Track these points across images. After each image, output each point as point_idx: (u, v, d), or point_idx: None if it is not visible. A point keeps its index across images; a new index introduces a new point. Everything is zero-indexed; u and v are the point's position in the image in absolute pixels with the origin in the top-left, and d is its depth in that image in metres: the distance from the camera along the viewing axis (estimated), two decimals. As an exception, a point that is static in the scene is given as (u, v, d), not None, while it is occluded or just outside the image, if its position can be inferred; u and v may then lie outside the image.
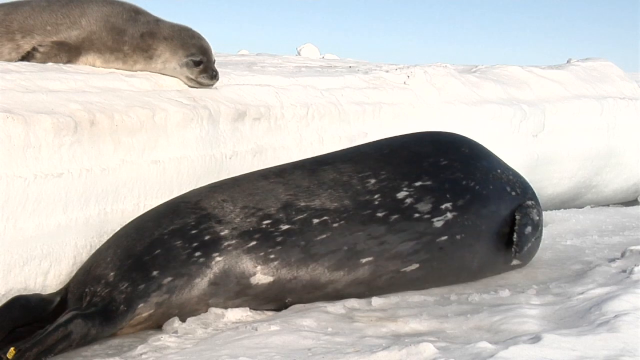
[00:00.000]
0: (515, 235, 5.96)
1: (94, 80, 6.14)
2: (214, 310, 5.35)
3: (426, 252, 5.65)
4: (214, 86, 6.85)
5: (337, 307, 5.39)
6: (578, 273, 6.11)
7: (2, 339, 4.94)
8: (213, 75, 6.73)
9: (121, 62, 6.57)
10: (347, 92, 8.18)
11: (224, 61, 9.12)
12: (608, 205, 10.83)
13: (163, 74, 6.66)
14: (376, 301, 5.52)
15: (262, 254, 5.34)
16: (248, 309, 5.44)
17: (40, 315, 5.15)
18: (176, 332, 5.07)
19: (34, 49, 6.43)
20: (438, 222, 5.66)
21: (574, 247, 7.40)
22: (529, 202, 6.25)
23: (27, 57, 6.41)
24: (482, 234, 5.92)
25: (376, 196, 5.59)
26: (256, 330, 4.90)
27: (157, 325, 5.28)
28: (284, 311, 5.44)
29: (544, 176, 9.94)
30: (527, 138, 9.72)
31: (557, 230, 8.20)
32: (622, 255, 6.28)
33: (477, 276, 6.08)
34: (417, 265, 5.63)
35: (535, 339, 4.08)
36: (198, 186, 6.18)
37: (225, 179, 6.00)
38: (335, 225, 5.45)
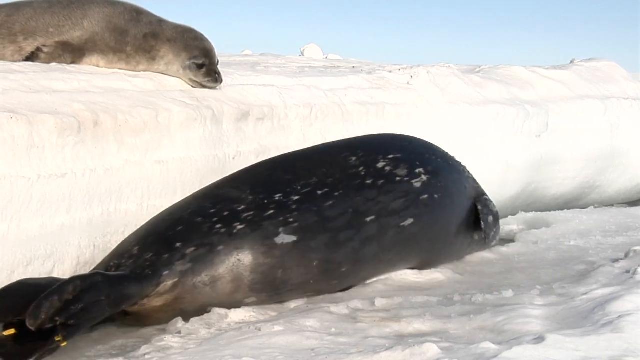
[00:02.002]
0: (482, 224, 6.87)
1: (97, 80, 6.15)
2: (217, 310, 5.36)
3: (415, 207, 6.30)
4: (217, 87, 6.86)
5: (340, 308, 5.40)
6: (581, 273, 6.11)
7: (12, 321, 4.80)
8: (216, 79, 6.73)
9: (124, 62, 6.57)
10: (351, 93, 8.18)
11: (227, 61, 9.13)
12: (612, 206, 10.82)
13: (166, 75, 6.66)
14: (379, 301, 5.52)
15: (281, 218, 5.71)
16: (251, 309, 5.45)
17: None
18: (180, 332, 5.08)
19: (38, 49, 6.43)
20: (417, 183, 6.41)
21: (578, 247, 7.40)
22: (485, 197, 7.15)
23: (31, 57, 6.41)
24: (454, 196, 6.72)
25: (361, 169, 6.27)
26: (260, 330, 4.90)
27: (183, 303, 5.34)
28: (287, 311, 5.44)
29: (548, 176, 9.95)
30: (531, 138, 9.71)
31: (560, 230, 8.20)
32: (626, 255, 6.28)
33: (455, 243, 6.80)
34: (411, 220, 6.26)
35: (539, 339, 4.07)
36: (202, 186, 6.19)
37: (225, 176, 6.24)
38: (336, 194, 5.99)
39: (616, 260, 6.20)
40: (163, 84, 6.54)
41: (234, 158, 6.63)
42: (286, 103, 7.33)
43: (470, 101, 9.29)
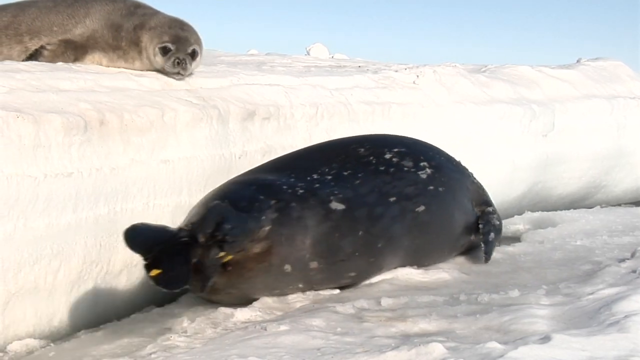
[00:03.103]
0: (482, 245, 6.84)
1: (103, 79, 6.16)
2: (223, 309, 5.36)
3: (424, 196, 6.46)
4: (223, 86, 6.85)
5: (346, 307, 5.40)
6: (588, 273, 6.10)
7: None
8: (174, 64, 6.43)
9: (123, 60, 6.53)
10: (357, 92, 8.18)
11: (233, 61, 9.15)
12: (618, 205, 10.80)
13: (158, 70, 6.57)
14: (385, 301, 5.52)
15: (327, 190, 6.01)
16: (257, 308, 5.45)
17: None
18: (185, 331, 5.08)
19: (41, 47, 6.43)
20: (423, 175, 6.56)
21: (584, 247, 7.38)
22: (490, 209, 7.17)
23: (35, 55, 6.42)
24: (455, 193, 6.81)
25: (371, 158, 6.47)
26: (265, 330, 4.90)
27: (271, 256, 5.62)
28: (293, 311, 5.44)
29: (554, 176, 9.94)
30: (537, 138, 9.71)
31: (566, 230, 8.18)
32: (632, 255, 6.26)
33: (456, 240, 6.87)
34: (423, 207, 6.41)
35: (545, 339, 4.07)
36: (207, 186, 6.21)
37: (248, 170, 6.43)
38: (359, 175, 6.27)
39: (622, 260, 6.18)
40: (169, 83, 6.54)
41: (240, 157, 6.63)
42: (292, 102, 7.33)
43: (476, 101, 9.28)
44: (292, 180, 6.01)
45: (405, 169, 6.51)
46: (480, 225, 6.95)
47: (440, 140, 7.31)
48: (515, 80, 10.20)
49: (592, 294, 5.11)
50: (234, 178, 6.21)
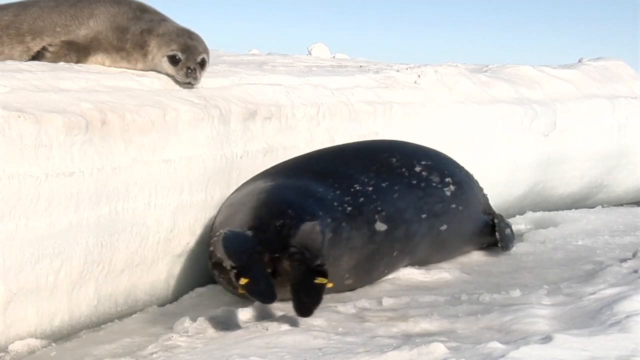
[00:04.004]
0: (499, 237, 7.12)
1: (105, 79, 6.15)
2: (224, 309, 5.36)
3: (447, 215, 6.53)
4: (225, 86, 6.84)
5: (347, 307, 5.40)
6: (589, 273, 6.10)
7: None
8: (187, 75, 6.45)
9: (126, 61, 6.53)
10: (358, 92, 8.17)
11: (234, 60, 9.14)
12: (621, 205, 10.80)
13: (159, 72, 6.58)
14: (387, 301, 5.52)
15: (372, 206, 5.99)
16: (258, 308, 5.44)
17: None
18: (187, 331, 5.08)
19: (43, 48, 6.43)
20: (447, 192, 6.61)
21: (585, 247, 7.39)
22: (498, 214, 7.44)
23: (37, 56, 6.41)
24: (471, 209, 6.97)
25: (403, 169, 6.46)
26: (267, 329, 4.91)
27: None
28: (294, 311, 5.44)
29: (555, 176, 9.93)
30: (538, 137, 9.70)
31: (568, 230, 8.19)
32: (634, 255, 6.27)
33: (466, 248, 7.10)
34: (445, 226, 6.51)
35: (547, 339, 4.07)
36: (209, 186, 6.22)
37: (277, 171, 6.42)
38: (396, 188, 6.23)
39: (624, 260, 6.19)
40: (170, 83, 6.54)
41: (241, 157, 6.63)
42: (293, 102, 7.33)
43: (477, 100, 9.28)
44: (338, 193, 5.96)
45: (434, 184, 6.55)
46: (497, 222, 7.20)
47: (441, 140, 7.33)
48: (517, 80, 10.19)
49: (593, 294, 5.12)
50: (278, 177, 6.15)
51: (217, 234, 5.59)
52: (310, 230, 5.25)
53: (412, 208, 6.23)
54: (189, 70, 6.43)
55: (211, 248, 5.77)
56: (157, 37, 6.47)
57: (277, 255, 5.27)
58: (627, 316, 4.37)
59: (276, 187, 5.98)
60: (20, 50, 6.50)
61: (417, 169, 6.55)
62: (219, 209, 6.16)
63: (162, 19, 6.68)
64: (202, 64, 6.56)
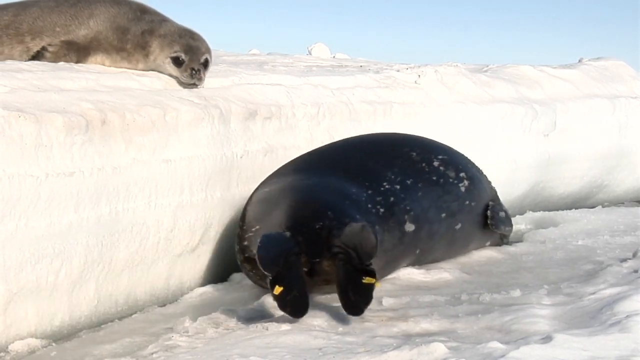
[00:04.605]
0: (489, 216, 6.97)
1: (105, 79, 6.16)
2: (224, 309, 5.36)
3: (461, 213, 6.55)
4: (225, 86, 6.84)
5: (348, 307, 5.39)
6: (589, 273, 6.10)
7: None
8: (191, 75, 6.45)
9: (126, 61, 6.53)
10: (358, 92, 8.18)
11: (234, 60, 9.14)
12: (621, 204, 10.80)
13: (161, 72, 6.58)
14: (387, 301, 5.52)
15: (402, 206, 6.02)
16: (259, 308, 5.44)
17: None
18: (187, 331, 5.07)
19: (43, 48, 6.42)
20: (462, 187, 6.63)
21: (586, 247, 7.38)
22: (499, 201, 7.39)
23: (36, 56, 6.41)
24: (481, 205, 6.90)
25: (423, 164, 6.47)
26: (267, 329, 4.90)
27: None
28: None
29: (555, 176, 9.94)
30: (539, 137, 9.70)
31: (568, 230, 8.18)
32: (634, 255, 6.26)
33: (469, 248, 7.00)
34: (460, 225, 6.54)
35: (547, 339, 4.07)
36: (209, 186, 6.22)
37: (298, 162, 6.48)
38: (419, 186, 6.25)
39: (624, 260, 6.19)
40: (171, 83, 6.54)
41: (241, 157, 6.63)
42: (294, 102, 7.33)
43: (478, 100, 9.28)
44: (370, 193, 5.96)
45: (450, 180, 6.58)
46: (491, 204, 7.07)
47: (442, 140, 7.30)
48: (517, 80, 10.20)
49: (593, 293, 5.12)
50: (310, 174, 6.15)
51: (254, 229, 5.62)
52: (360, 230, 5.21)
53: (434, 207, 6.28)
54: (194, 72, 6.45)
55: (245, 243, 5.78)
56: (159, 38, 6.47)
57: (317, 260, 5.27)
58: (627, 316, 4.36)
59: (312, 187, 5.98)
60: (20, 50, 6.50)
61: (435, 163, 6.56)
62: (248, 202, 6.13)
63: (163, 20, 6.68)
64: (206, 64, 6.58)
